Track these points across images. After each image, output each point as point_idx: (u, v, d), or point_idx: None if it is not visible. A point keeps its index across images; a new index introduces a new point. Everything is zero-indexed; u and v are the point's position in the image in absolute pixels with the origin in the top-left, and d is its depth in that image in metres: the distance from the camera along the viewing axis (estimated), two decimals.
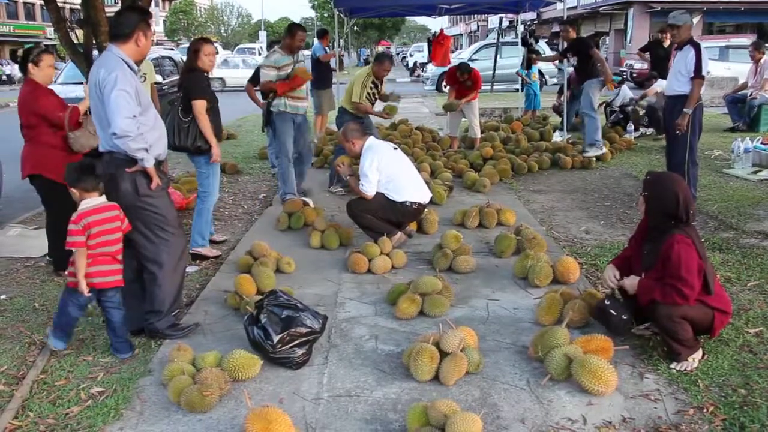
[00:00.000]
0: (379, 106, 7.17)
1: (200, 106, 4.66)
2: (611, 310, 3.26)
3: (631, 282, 3.24)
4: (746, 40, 18.88)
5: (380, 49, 47.83)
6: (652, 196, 3.21)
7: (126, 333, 3.43)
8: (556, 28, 39.74)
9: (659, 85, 9.54)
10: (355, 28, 38.45)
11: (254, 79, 8.05)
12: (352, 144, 5.11)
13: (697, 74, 5.57)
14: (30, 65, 4.42)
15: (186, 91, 4.74)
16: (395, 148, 5.21)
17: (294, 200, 5.99)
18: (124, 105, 3.18)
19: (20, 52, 4.67)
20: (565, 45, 8.67)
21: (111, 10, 7.31)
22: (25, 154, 4.52)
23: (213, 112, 4.82)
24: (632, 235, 3.51)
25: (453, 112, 9.08)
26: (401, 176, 5.01)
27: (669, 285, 3.01)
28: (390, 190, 4.94)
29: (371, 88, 6.80)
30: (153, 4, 8.76)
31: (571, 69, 8.95)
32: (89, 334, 3.67)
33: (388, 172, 4.95)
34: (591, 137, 8.10)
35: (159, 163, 3.49)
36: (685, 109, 5.63)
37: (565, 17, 9.93)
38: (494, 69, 19.52)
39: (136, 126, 3.22)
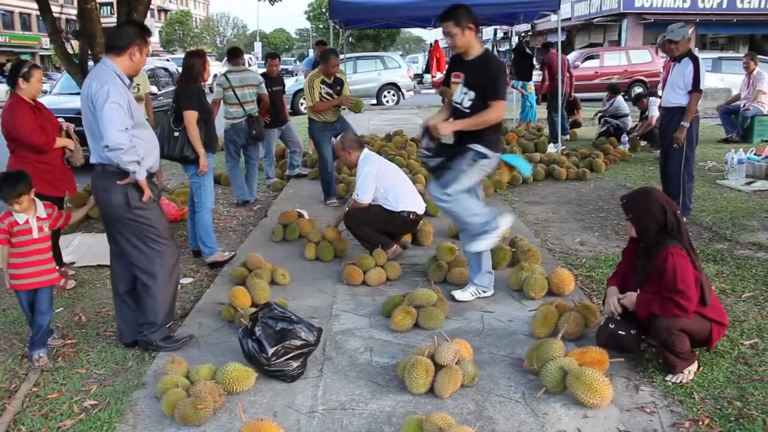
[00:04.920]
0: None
1: (191, 116, 4.77)
2: (620, 332, 3.22)
3: (629, 299, 3.23)
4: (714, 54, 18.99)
5: None
6: (638, 217, 3.17)
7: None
8: (553, 38, 39.76)
9: (655, 111, 9.40)
10: (351, 39, 38.59)
11: None
12: (348, 153, 5.15)
13: (695, 88, 5.57)
14: (20, 80, 4.37)
15: (178, 102, 4.88)
16: (390, 160, 5.26)
17: (289, 212, 5.99)
18: (116, 118, 3.18)
19: (8, 66, 4.65)
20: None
21: (107, 21, 7.34)
22: (9, 167, 4.51)
23: (207, 124, 4.89)
24: (625, 248, 3.51)
25: None
26: (398, 186, 5.05)
27: (667, 298, 3.00)
28: (389, 199, 4.96)
29: (325, 89, 6.63)
30: (149, 15, 8.75)
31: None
32: (83, 347, 3.65)
33: (386, 182, 4.98)
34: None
35: (151, 175, 3.49)
36: (683, 123, 5.63)
37: (559, 29, 9.93)
38: None
39: (128, 139, 3.22)
